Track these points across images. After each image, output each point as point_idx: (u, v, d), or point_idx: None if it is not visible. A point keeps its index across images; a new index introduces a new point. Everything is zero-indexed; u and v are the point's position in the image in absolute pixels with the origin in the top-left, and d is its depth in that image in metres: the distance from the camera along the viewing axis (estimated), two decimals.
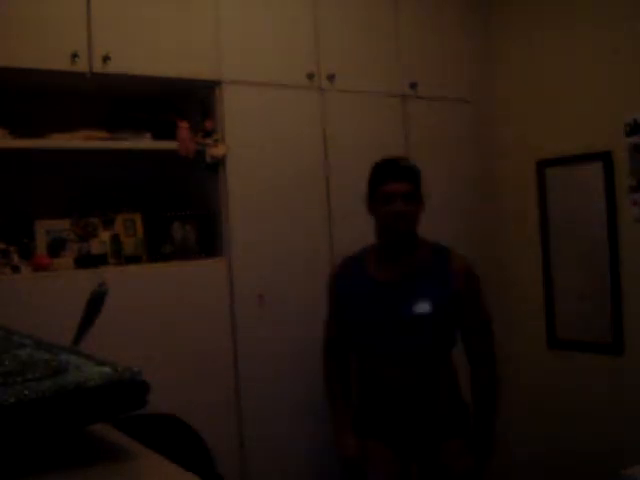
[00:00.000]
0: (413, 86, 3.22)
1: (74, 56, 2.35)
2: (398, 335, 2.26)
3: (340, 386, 2.51)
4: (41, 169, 2.60)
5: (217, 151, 2.66)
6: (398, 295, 2.29)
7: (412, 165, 2.38)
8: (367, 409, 2.41)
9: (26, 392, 0.45)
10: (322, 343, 2.58)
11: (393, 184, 2.28)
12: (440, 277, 2.30)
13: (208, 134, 2.66)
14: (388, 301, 2.30)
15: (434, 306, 2.26)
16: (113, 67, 2.42)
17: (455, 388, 2.39)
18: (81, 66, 2.37)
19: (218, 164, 2.68)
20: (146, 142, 2.60)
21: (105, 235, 2.58)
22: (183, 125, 2.64)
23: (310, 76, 2.91)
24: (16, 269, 2.32)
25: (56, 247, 2.47)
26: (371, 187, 2.36)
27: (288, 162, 2.85)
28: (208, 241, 2.73)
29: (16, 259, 2.34)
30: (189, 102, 2.79)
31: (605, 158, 3.15)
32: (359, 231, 2.61)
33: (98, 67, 2.40)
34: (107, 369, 0.49)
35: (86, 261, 2.49)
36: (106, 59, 2.40)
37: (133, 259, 2.62)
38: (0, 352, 0.54)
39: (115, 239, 2.60)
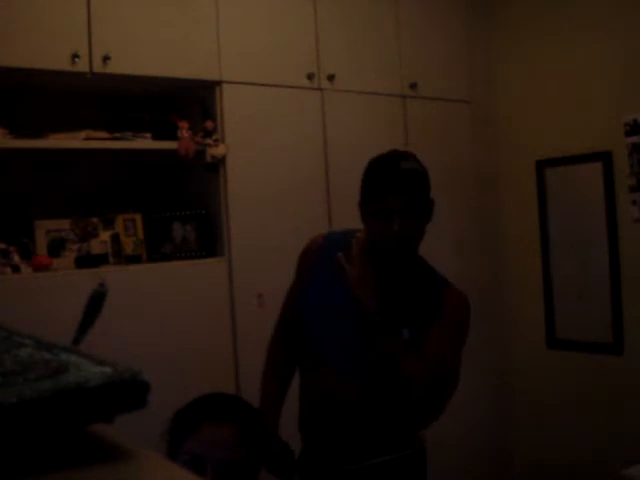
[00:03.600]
0: (413, 86, 3.22)
1: (74, 56, 2.35)
2: (364, 351, 1.82)
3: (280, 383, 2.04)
4: (41, 169, 2.61)
5: (217, 151, 2.66)
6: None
7: (416, 168, 1.81)
8: (309, 426, 1.98)
9: (27, 392, 0.44)
10: (274, 329, 2.10)
11: (390, 199, 1.74)
12: (429, 305, 1.83)
13: (208, 134, 2.66)
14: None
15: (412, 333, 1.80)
16: (113, 67, 2.43)
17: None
18: (81, 66, 2.37)
19: (218, 164, 2.68)
20: (146, 142, 2.60)
21: (105, 235, 2.58)
22: (183, 125, 2.64)
23: (310, 76, 2.91)
24: (16, 269, 2.32)
25: (56, 247, 2.47)
26: (363, 193, 1.86)
27: (288, 162, 2.85)
28: (208, 241, 2.73)
29: (16, 259, 2.34)
30: (189, 102, 2.79)
31: (605, 158, 3.15)
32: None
33: (98, 67, 2.40)
34: (107, 369, 0.49)
35: (86, 261, 2.49)
36: (106, 59, 2.40)
37: (133, 259, 2.63)
38: (0, 352, 0.54)
39: (115, 239, 2.60)
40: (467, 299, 1.89)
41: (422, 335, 1.78)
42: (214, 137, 2.66)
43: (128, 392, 0.48)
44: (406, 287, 1.88)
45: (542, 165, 3.42)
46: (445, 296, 1.86)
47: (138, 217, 2.69)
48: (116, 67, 2.43)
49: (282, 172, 2.82)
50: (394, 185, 1.75)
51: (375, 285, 1.80)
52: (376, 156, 1.88)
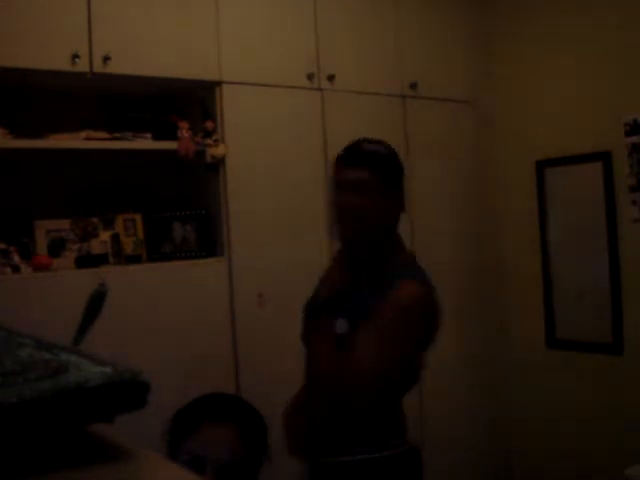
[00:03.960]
0: (413, 86, 3.22)
1: (74, 56, 2.35)
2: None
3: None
4: (41, 169, 2.61)
5: (217, 151, 2.66)
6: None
7: (376, 149, 1.86)
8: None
9: (27, 392, 0.45)
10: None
11: (343, 170, 1.82)
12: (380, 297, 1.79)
13: (208, 134, 2.66)
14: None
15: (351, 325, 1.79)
16: (113, 67, 2.43)
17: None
18: (81, 66, 2.37)
19: (218, 164, 2.68)
20: (146, 142, 2.60)
21: (105, 235, 2.58)
22: (183, 125, 2.64)
23: (310, 76, 2.91)
24: (16, 269, 2.32)
25: (56, 247, 2.47)
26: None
27: (288, 162, 2.85)
28: (208, 241, 2.74)
29: (16, 259, 2.34)
30: (189, 102, 2.79)
31: (605, 158, 3.15)
32: None
33: (98, 67, 2.40)
34: (107, 369, 0.49)
35: (86, 261, 2.49)
36: (106, 59, 2.40)
37: (133, 259, 2.63)
38: (0, 352, 0.54)
39: (115, 239, 2.60)
40: (421, 290, 1.80)
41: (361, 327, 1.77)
42: (214, 137, 2.66)
43: (128, 392, 0.48)
44: (367, 281, 1.85)
45: (542, 165, 3.42)
46: (396, 287, 1.78)
47: (138, 217, 2.69)
48: (116, 67, 2.43)
49: (282, 172, 2.82)
50: (349, 158, 1.81)
51: (338, 280, 1.84)
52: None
